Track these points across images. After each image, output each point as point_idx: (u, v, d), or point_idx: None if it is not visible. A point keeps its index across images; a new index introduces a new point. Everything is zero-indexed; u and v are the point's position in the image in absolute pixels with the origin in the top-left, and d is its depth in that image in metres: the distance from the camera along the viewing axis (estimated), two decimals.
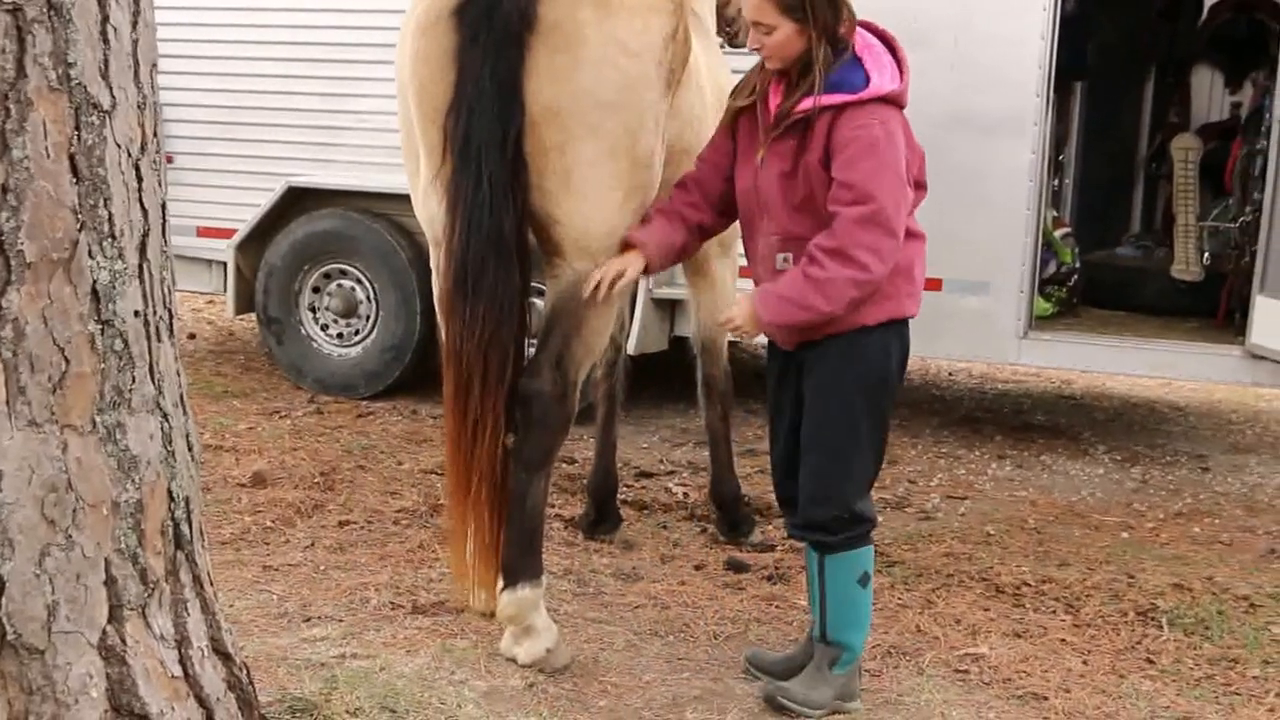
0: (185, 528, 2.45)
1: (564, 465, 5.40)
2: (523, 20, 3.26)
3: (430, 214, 3.48)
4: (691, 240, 3.44)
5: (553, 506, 4.57)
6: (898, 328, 3.22)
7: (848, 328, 3.13)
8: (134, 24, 2.29)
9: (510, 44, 3.27)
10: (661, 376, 6.63)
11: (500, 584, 3.50)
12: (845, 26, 3.09)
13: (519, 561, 3.48)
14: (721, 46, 5.20)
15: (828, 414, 3.18)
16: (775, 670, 3.47)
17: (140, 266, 2.32)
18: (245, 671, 2.59)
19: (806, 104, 3.05)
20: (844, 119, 3.03)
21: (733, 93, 3.34)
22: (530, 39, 3.28)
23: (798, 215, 3.14)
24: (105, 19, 2.22)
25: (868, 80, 3.04)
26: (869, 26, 3.20)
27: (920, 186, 3.24)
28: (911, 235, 3.19)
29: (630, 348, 5.31)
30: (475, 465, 3.39)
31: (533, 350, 3.56)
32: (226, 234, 6.81)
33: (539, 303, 3.99)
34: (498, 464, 3.41)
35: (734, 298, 4.13)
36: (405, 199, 3.88)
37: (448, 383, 3.42)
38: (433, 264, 3.63)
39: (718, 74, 4.37)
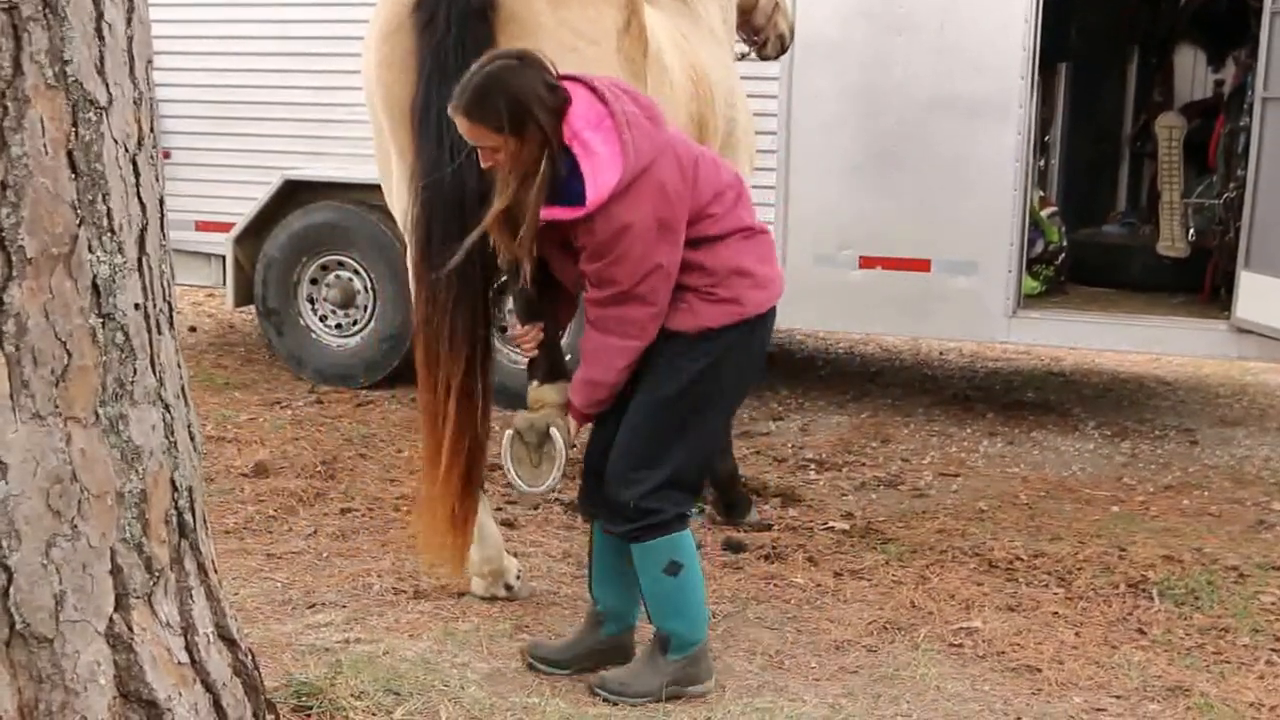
0: (189, 517, 2.48)
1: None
2: (481, 3, 3.36)
3: (404, 212, 3.53)
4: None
5: (552, 492, 4.60)
6: (745, 327, 3.15)
7: (692, 329, 3.10)
8: (129, 20, 2.31)
9: (472, 19, 3.35)
10: None
11: (538, 383, 3.41)
12: (559, 118, 2.96)
13: (554, 367, 3.46)
14: (746, 55, 5.26)
15: (658, 396, 3.13)
16: (560, 659, 3.40)
17: (140, 260, 2.35)
18: (250, 657, 2.61)
19: (543, 216, 3.00)
20: (576, 227, 3.00)
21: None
22: (493, 25, 3.36)
23: None
24: (100, 16, 2.24)
25: (583, 188, 2.95)
26: (573, 80, 3.07)
27: (720, 195, 3.14)
28: (725, 235, 3.12)
29: None
30: (447, 429, 3.41)
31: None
32: (224, 228, 6.83)
33: None
34: (468, 429, 3.42)
35: None
36: None
37: (418, 351, 3.47)
38: (409, 262, 3.60)
39: (711, 71, 4.38)
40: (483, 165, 3.07)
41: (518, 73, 2.95)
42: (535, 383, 3.42)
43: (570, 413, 3.26)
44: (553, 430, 3.30)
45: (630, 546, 3.22)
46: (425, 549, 3.67)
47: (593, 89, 3.04)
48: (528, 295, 3.35)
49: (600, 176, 2.94)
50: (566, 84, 3.03)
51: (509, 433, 3.38)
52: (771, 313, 3.24)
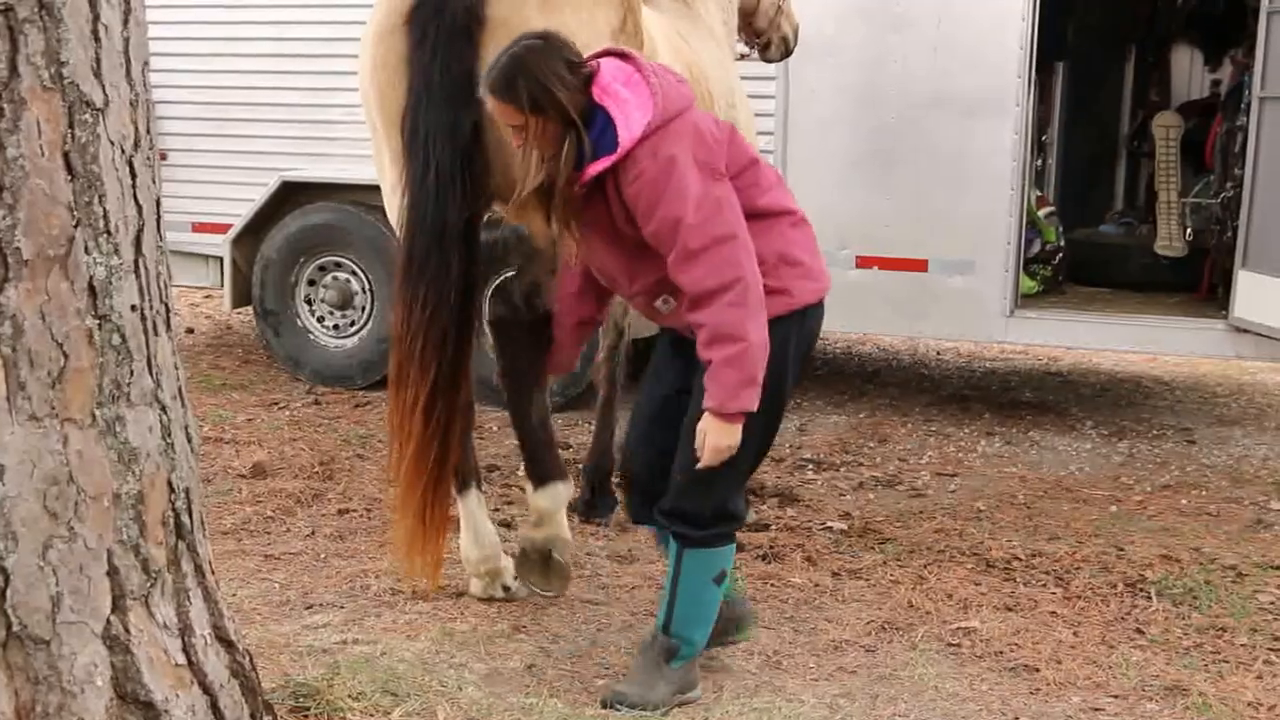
0: (186, 518, 2.47)
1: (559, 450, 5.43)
2: (469, 15, 3.37)
3: (397, 209, 3.54)
4: (590, 330, 3.58)
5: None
6: (798, 318, 3.09)
7: None
8: (125, 22, 2.31)
9: (458, 38, 3.36)
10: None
11: (531, 488, 3.74)
12: (582, 93, 2.99)
13: (542, 467, 3.70)
14: (747, 56, 5.27)
15: None
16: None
17: (136, 261, 2.35)
18: (248, 658, 2.61)
19: (583, 177, 2.99)
20: (620, 177, 2.97)
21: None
22: (481, 37, 3.37)
23: (642, 265, 3.08)
24: (96, 17, 2.24)
25: (618, 136, 2.95)
26: (604, 54, 3.12)
27: (756, 162, 3.15)
28: (771, 215, 3.10)
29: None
30: (410, 440, 3.44)
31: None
32: (222, 229, 6.85)
33: None
34: (433, 440, 3.45)
35: None
36: None
37: (391, 364, 3.51)
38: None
39: (710, 71, 4.38)
40: (513, 145, 3.10)
41: (539, 53, 3.00)
42: (530, 487, 3.69)
43: (727, 421, 2.94)
44: (554, 554, 3.75)
45: (684, 551, 3.17)
46: (402, 558, 3.67)
47: (623, 55, 3.12)
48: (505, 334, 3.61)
49: (632, 118, 2.97)
50: (598, 58, 3.10)
51: (518, 548, 3.83)
52: (821, 305, 3.18)
